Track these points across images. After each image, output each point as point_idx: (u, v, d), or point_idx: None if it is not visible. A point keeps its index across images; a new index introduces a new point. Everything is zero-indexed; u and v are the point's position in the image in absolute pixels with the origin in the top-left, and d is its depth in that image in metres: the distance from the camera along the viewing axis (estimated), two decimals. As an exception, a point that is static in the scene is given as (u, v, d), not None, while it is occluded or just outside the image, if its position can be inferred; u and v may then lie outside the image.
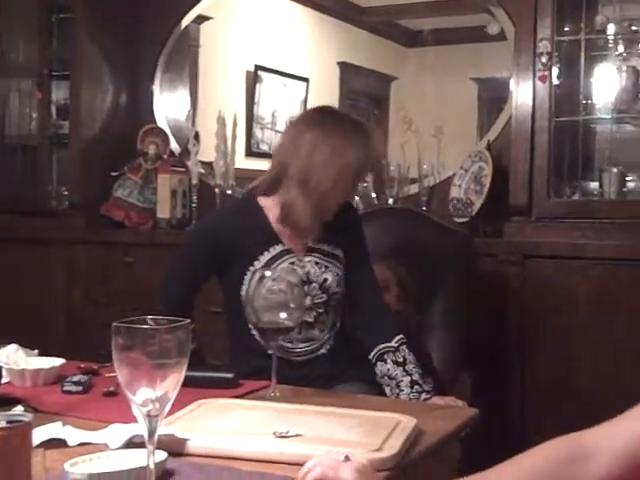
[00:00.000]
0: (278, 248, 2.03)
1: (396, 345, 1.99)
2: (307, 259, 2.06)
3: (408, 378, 1.96)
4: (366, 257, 2.12)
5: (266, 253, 2.02)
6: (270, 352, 1.75)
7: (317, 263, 2.06)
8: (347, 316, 2.15)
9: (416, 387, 1.95)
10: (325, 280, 2.05)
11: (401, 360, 1.98)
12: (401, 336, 2.01)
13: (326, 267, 2.06)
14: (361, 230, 2.16)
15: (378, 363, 1.99)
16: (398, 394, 1.95)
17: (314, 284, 2.04)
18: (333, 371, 2.03)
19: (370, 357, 2.01)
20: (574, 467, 1.03)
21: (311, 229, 2.03)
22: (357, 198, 3.34)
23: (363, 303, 2.08)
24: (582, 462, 1.03)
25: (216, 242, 2.05)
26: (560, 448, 1.06)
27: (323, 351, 2.06)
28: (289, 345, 2.02)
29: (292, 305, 1.68)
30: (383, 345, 2.00)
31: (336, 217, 2.06)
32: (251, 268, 1.98)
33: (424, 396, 1.94)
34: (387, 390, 1.98)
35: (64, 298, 3.64)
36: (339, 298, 2.08)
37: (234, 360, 2.09)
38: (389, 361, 1.98)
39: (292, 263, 2.03)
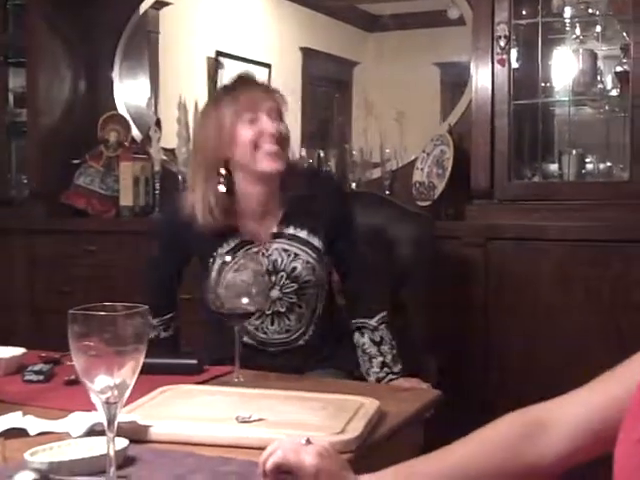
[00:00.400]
0: (236, 240, 1.97)
1: (375, 324, 1.98)
2: (274, 246, 1.97)
3: (380, 359, 1.96)
4: (349, 233, 2.05)
5: (225, 245, 1.96)
6: (245, 340, 1.74)
7: (285, 250, 1.97)
8: (340, 306, 2.13)
9: (385, 369, 1.95)
10: (294, 269, 1.96)
11: (378, 340, 1.97)
12: (383, 314, 2.00)
13: (295, 255, 1.97)
14: (342, 206, 2.06)
15: (356, 333, 2.00)
16: (368, 370, 1.97)
17: (282, 273, 1.96)
18: (310, 362, 2.00)
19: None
20: (530, 440, 1.04)
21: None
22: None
23: (348, 277, 2.05)
24: (538, 435, 1.04)
25: (176, 237, 2.03)
26: (515, 422, 1.08)
27: (301, 342, 2.01)
28: (263, 336, 1.98)
29: (254, 290, 1.68)
30: (362, 320, 1.99)
31: (311, 201, 1.98)
32: (211, 260, 1.88)
33: (390, 377, 1.95)
34: (360, 360, 1.99)
35: (26, 287, 3.60)
36: (314, 286, 2.00)
37: (209, 347, 2.05)
38: (366, 337, 1.98)
39: (256, 252, 1.96)
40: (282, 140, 1.95)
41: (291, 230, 1.98)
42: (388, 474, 1.11)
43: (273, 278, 1.95)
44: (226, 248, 1.95)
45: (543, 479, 1.06)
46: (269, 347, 2.00)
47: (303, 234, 1.98)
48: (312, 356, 2.02)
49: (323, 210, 2.00)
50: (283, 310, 1.98)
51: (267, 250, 1.97)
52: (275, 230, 1.99)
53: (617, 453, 0.94)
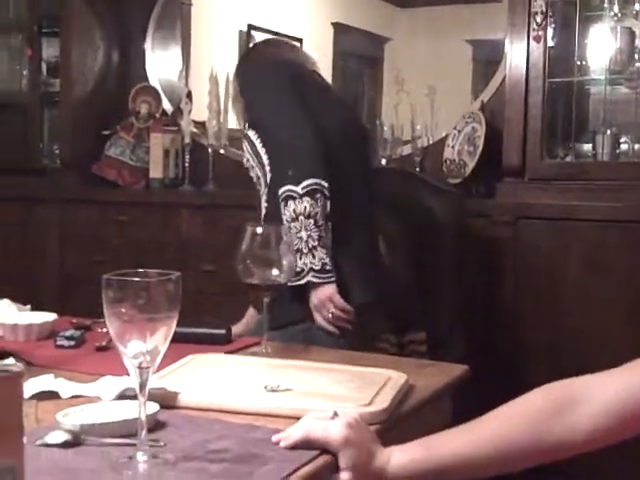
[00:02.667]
0: None
1: (301, 192, 1.90)
2: None
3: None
4: None
5: None
6: None
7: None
8: None
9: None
10: None
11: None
12: (310, 182, 1.91)
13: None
14: None
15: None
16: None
17: None
18: None
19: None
20: (560, 416, 1.04)
21: None
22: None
23: None
24: (572, 409, 1.03)
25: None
26: (545, 397, 1.07)
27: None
28: None
29: (284, 262, 1.68)
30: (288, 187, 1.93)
31: None
32: None
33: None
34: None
35: (57, 256, 3.64)
36: None
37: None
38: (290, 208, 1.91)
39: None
40: None
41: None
42: (417, 446, 1.11)
43: None
44: None
45: (572, 455, 1.06)
46: None
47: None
48: None
49: None
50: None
51: None
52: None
53: None
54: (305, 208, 1.89)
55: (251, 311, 2.22)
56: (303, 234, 1.90)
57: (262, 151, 2.00)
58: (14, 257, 3.68)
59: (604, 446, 1.03)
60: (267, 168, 2.00)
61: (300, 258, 1.89)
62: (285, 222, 1.90)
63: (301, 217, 1.90)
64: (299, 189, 1.90)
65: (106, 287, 1.02)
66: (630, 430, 1.02)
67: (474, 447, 1.06)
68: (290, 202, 1.91)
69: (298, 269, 1.86)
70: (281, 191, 1.92)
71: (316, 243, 1.90)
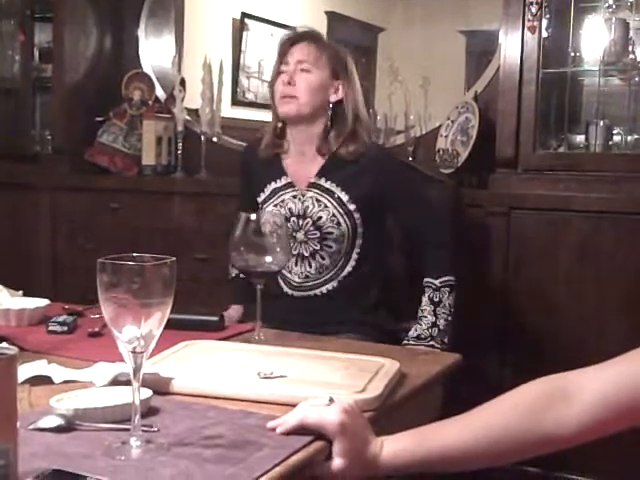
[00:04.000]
0: (283, 180, 2.17)
1: (439, 285, 2.06)
2: (309, 194, 2.14)
3: (433, 319, 2.04)
4: (407, 197, 2.16)
5: (273, 183, 2.17)
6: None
7: (318, 200, 2.12)
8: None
9: (433, 329, 2.03)
10: (319, 218, 2.11)
11: (437, 300, 2.05)
12: (448, 278, 2.07)
13: (325, 206, 2.11)
14: (394, 174, 2.17)
15: (422, 295, 2.08)
16: (415, 326, 2.05)
17: (308, 219, 2.11)
18: (329, 321, 2.05)
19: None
20: (552, 409, 1.04)
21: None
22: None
23: (417, 240, 2.16)
24: (564, 402, 1.04)
25: (246, 168, 2.29)
26: (543, 387, 1.08)
27: (317, 292, 2.13)
28: (287, 274, 2.13)
29: (277, 249, 1.68)
30: (428, 279, 2.08)
31: (353, 163, 2.12)
32: (261, 194, 2.19)
33: (427, 342, 2.02)
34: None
35: (49, 243, 3.62)
36: (337, 241, 2.11)
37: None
38: (426, 296, 2.06)
39: (294, 196, 2.14)
40: (296, 87, 2.11)
41: (326, 183, 2.14)
42: (409, 436, 1.11)
43: (301, 222, 2.12)
44: (274, 185, 2.18)
45: (564, 447, 1.06)
46: (289, 288, 2.13)
47: (337, 189, 2.12)
48: (330, 313, 2.08)
49: (365, 177, 2.12)
50: (307, 255, 2.13)
51: (303, 196, 2.14)
52: (313, 180, 2.15)
53: None
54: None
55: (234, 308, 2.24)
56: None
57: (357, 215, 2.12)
58: (6, 243, 3.66)
59: (599, 437, 1.03)
60: (359, 229, 2.13)
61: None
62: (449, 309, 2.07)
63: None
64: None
65: (101, 271, 1.02)
66: (623, 422, 1.02)
67: (466, 439, 1.07)
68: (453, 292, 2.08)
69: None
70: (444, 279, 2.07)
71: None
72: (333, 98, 2.16)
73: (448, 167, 3.03)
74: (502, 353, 2.76)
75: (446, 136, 3.11)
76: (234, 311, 2.23)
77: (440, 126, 3.17)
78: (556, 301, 2.70)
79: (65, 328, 1.68)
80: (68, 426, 1.10)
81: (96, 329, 1.65)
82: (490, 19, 3.35)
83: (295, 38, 2.18)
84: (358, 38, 5.33)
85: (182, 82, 3.60)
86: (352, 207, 2.11)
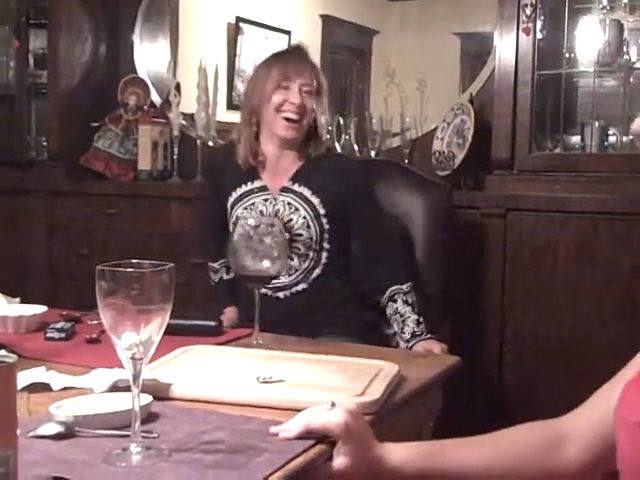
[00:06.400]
0: (256, 184, 2.22)
1: (407, 289, 2.13)
2: (281, 198, 2.19)
3: (415, 317, 2.10)
4: (365, 203, 2.22)
5: (243, 186, 2.22)
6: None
7: (289, 204, 2.18)
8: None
9: (421, 326, 2.09)
10: (290, 220, 2.16)
11: (410, 302, 2.12)
12: (411, 283, 2.15)
13: (296, 209, 2.17)
14: (356, 179, 2.25)
15: (389, 304, 2.13)
16: (402, 328, 2.10)
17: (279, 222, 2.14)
18: (306, 321, 2.07)
19: (382, 299, 2.14)
20: (552, 451, 1.07)
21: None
22: (339, 149, 3.33)
23: (372, 250, 2.20)
24: (559, 447, 1.07)
25: (216, 177, 2.35)
26: (540, 432, 1.11)
27: (287, 294, 2.17)
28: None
29: (275, 254, 1.68)
30: (396, 287, 2.13)
31: (322, 163, 2.22)
32: (229, 199, 2.23)
33: (425, 336, 2.07)
34: (394, 326, 2.13)
35: (45, 249, 3.62)
36: (306, 244, 2.17)
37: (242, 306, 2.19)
38: (399, 301, 2.12)
39: (266, 200, 2.20)
40: (304, 113, 2.19)
41: (299, 188, 2.20)
42: (417, 448, 1.11)
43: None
44: (244, 188, 2.23)
45: None
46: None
47: (307, 193, 2.19)
48: (303, 313, 2.11)
49: (331, 180, 2.20)
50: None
51: (275, 200, 2.20)
52: (286, 184, 2.21)
53: (620, 438, 0.95)
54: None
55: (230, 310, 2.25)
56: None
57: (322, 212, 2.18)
58: (2, 250, 3.65)
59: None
60: (326, 235, 2.19)
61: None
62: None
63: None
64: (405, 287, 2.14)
65: (100, 278, 1.01)
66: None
67: (485, 461, 1.09)
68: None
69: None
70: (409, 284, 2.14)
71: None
72: (317, 116, 2.25)
73: (444, 169, 3.03)
74: (500, 355, 2.76)
75: (442, 138, 3.11)
76: (231, 312, 2.23)
77: (436, 128, 3.17)
78: (553, 302, 2.70)
79: (63, 335, 1.67)
80: (68, 433, 1.10)
81: (94, 335, 1.65)
82: (485, 21, 3.36)
83: (297, 59, 2.24)
84: (353, 41, 5.34)
85: (177, 87, 3.60)
86: (322, 211, 2.18)
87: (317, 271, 2.20)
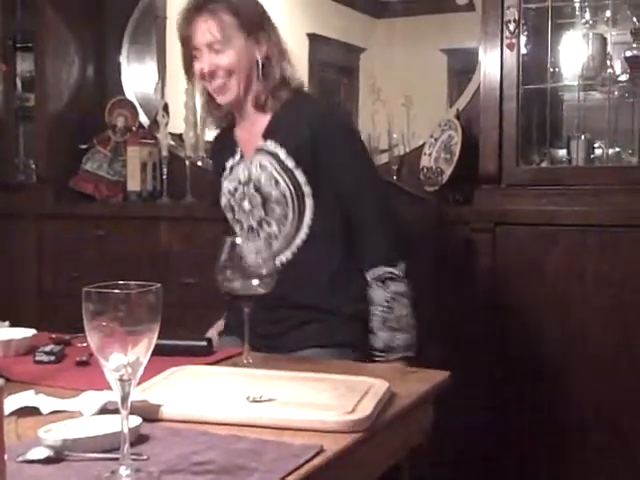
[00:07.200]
0: (238, 155, 2.09)
1: (401, 274, 1.97)
2: (255, 160, 2.02)
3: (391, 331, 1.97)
4: (335, 149, 1.98)
5: (231, 160, 2.10)
6: None
7: (260, 164, 2.00)
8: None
9: (397, 342, 1.98)
10: (259, 180, 1.99)
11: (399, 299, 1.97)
12: (404, 265, 1.97)
13: (265, 167, 1.98)
14: (325, 119, 2.01)
15: (376, 284, 1.96)
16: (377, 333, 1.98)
17: (251, 184, 2.02)
18: (279, 297, 1.83)
19: (369, 278, 1.97)
20: None
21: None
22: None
23: (354, 211, 2.00)
24: None
25: (215, 156, 2.26)
26: None
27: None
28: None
29: (264, 272, 1.68)
30: (389, 270, 1.96)
31: (288, 110, 2.01)
32: (224, 173, 2.11)
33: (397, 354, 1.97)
34: (373, 320, 1.98)
35: (34, 272, 3.61)
36: (279, 203, 1.97)
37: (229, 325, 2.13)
38: (392, 288, 1.96)
39: (244, 166, 2.05)
40: (226, 74, 2.00)
41: (270, 145, 2.00)
42: None
43: (245, 189, 2.04)
44: (231, 162, 2.09)
45: None
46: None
47: (272, 147, 2.00)
48: (284, 292, 1.85)
49: (297, 126, 1.98)
50: (254, 225, 2.04)
51: (251, 163, 2.04)
52: (259, 145, 2.03)
53: None
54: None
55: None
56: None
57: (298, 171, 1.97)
58: (-9, 273, 3.64)
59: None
60: (306, 188, 1.98)
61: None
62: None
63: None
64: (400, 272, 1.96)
65: (86, 300, 1.01)
66: None
67: None
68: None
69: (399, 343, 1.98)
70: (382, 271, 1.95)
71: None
72: (259, 56, 2.02)
73: (433, 185, 3.05)
74: (490, 369, 2.76)
75: (430, 154, 3.13)
76: (215, 330, 2.18)
77: (424, 144, 3.19)
78: (542, 316, 2.71)
79: (52, 358, 1.67)
80: (57, 457, 1.09)
81: (84, 358, 1.64)
82: (470, 37, 3.38)
83: (192, 15, 2.02)
84: (340, 59, 5.35)
85: (165, 107, 3.61)
86: (291, 164, 1.96)
87: (301, 236, 1.99)
